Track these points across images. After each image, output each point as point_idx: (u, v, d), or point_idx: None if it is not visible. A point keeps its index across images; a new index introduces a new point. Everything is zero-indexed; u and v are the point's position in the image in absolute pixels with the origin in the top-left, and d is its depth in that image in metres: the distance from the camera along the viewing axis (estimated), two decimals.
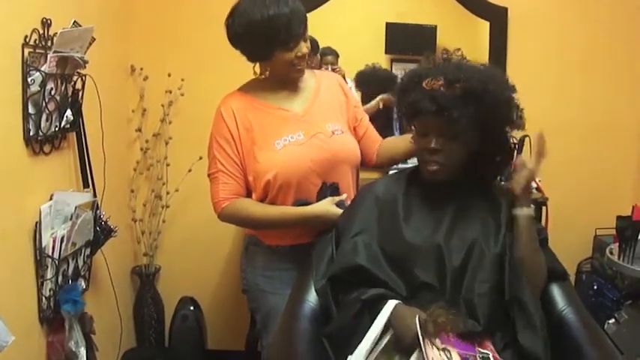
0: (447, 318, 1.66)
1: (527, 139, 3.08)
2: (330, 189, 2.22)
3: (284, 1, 2.14)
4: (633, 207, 3.17)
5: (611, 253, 3.15)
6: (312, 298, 1.97)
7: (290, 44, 2.18)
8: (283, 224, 2.25)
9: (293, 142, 2.25)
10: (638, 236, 3.00)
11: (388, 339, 1.71)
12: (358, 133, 2.45)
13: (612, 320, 3.08)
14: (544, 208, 3.08)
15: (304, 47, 2.21)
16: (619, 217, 3.11)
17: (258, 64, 2.35)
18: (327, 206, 2.17)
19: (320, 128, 2.29)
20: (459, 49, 2.02)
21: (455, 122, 1.83)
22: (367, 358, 1.70)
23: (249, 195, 2.32)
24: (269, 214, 2.24)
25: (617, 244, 3.13)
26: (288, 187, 2.23)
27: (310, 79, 2.41)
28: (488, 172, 2.05)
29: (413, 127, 2.01)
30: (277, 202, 2.26)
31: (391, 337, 1.71)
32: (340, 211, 2.14)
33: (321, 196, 2.22)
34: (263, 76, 2.34)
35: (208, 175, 2.35)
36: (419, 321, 1.64)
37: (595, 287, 3.40)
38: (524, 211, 1.91)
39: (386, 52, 3.65)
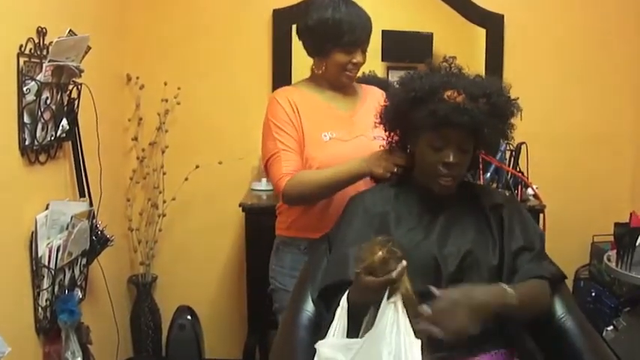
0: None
1: (523, 146, 3.10)
2: None
3: (356, 11, 2.33)
4: (631, 214, 3.17)
5: (609, 260, 3.14)
6: (309, 307, 1.96)
7: (349, 48, 2.30)
8: (334, 182, 2.25)
9: (338, 138, 2.33)
10: (636, 243, 2.99)
11: (367, 319, 1.68)
12: None
13: (611, 327, 3.07)
14: (541, 215, 3.08)
15: (359, 56, 2.34)
16: (617, 224, 3.10)
17: (314, 61, 2.43)
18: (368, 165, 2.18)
19: (363, 132, 2.36)
20: (454, 58, 2.01)
21: (482, 136, 1.85)
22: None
23: None
24: (324, 172, 2.25)
25: (615, 250, 3.12)
26: None
27: (358, 89, 2.53)
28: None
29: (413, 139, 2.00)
30: None
31: (369, 318, 1.68)
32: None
33: None
34: (319, 72, 2.40)
35: (267, 160, 2.33)
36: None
37: (593, 294, 3.39)
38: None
39: (382, 60, 3.65)
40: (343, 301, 1.71)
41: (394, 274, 1.57)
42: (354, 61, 2.32)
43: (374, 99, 2.46)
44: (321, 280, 1.96)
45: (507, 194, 2.77)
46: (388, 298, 1.57)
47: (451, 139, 1.87)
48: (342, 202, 2.19)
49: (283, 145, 2.30)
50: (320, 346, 1.64)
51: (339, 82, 2.40)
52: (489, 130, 1.84)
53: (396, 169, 2.09)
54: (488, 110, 1.82)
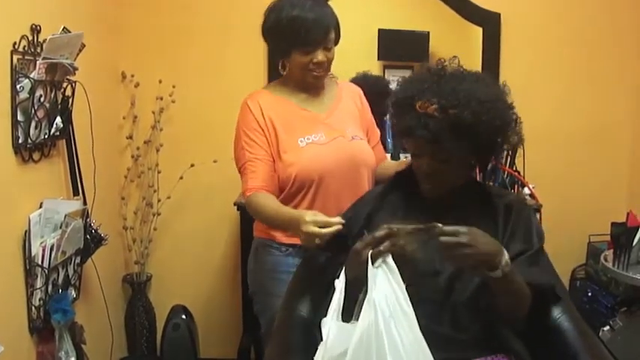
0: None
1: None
2: None
3: (312, 8, 2.25)
4: (627, 213, 3.17)
5: (606, 259, 3.15)
6: (304, 307, 1.96)
7: (307, 48, 2.26)
8: (274, 221, 2.24)
9: (316, 142, 2.31)
10: (632, 242, 3.00)
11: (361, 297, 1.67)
12: None
13: (607, 327, 3.08)
14: (538, 215, 3.07)
15: (320, 55, 2.28)
16: (613, 224, 3.10)
17: (280, 63, 2.40)
18: (304, 213, 2.05)
19: (341, 132, 2.35)
20: (455, 58, 1.99)
21: (446, 150, 1.81)
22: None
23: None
24: (269, 208, 2.21)
25: (612, 250, 3.12)
26: (310, 184, 2.27)
27: (332, 86, 2.49)
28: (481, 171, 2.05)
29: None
30: (293, 200, 2.30)
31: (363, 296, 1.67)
32: (317, 230, 1.96)
33: None
34: (284, 73, 2.39)
35: (238, 168, 2.35)
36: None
37: (589, 294, 3.39)
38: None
39: (378, 59, 3.65)
40: (341, 277, 1.71)
41: (376, 234, 1.62)
42: (315, 60, 2.27)
43: (349, 96, 2.49)
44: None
45: (515, 195, 2.71)
46: (373, 263, 1.59)
47: (424, 149, 1.85)
48: (323, 205, 2.22)
49: (251, 154, 2.29)
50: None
51: (305, 83, 2.37)
52: (450, 144, 1.78)
53: (318, 241, 1.94)
54: (453, 124, 1.76)
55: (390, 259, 1.61)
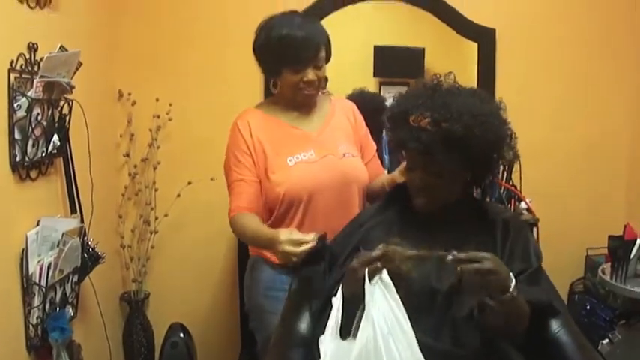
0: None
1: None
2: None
3: (300, 26, 2.25)
4: (625, 226, 3.17)
5: (604, 272, 3.15)
6: (303, 325, 1.95)
7: (297, 67, 2.27)
8: (254, 241, 2.29)
9: (305, 161, 2.31)
10: (630, 255, 3.01)
11: (358, 319, 1.67)
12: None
13: (606, 340, 3.07)
14: (535, 229, 3.07)
15: (310, 73, 2.28)
16: (611, 237, 3.11)
17: (271, 82, 2.43)
18: (279, 232, 2.09)
19: (331, 151, 2.35)
20: (450, 73, 2.00)
21: (439, 163, 1.82)
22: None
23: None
24: (251, 229, 2.24)
25: (609, 263, 3.13)
26: (298, 203, 2.28)
27: (325, 103, 2.50)
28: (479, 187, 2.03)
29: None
30: (284, 220, 2.31)
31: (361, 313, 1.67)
32: (292, 249, 2.00)
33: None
34: (275, 92, 2.41)
35: (227, 187, 2.38)
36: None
37: (587, 307, 3.39)
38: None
39: (374, 75, 3.67)
40: (338, 294, 1.71)
41: (372, 253, 1.64)
42: (305, 79, 2.28)
43: (342, 112, 2.50)
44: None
45: (512, 213, 2.71)
46: (370, 280, 1.60)
47: (416, 162, 1.88)
48: (312, 224, 2.24)
49: (239, 176, 2.32)
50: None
51: (296, 102, 2.38)
52: (442, 157, 1.79)
53: (295, 259, 2.00)
54: (445, 138, 1.78)
55: (386, 276, 1.62)
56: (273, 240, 2.05)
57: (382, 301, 1.58)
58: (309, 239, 1.98)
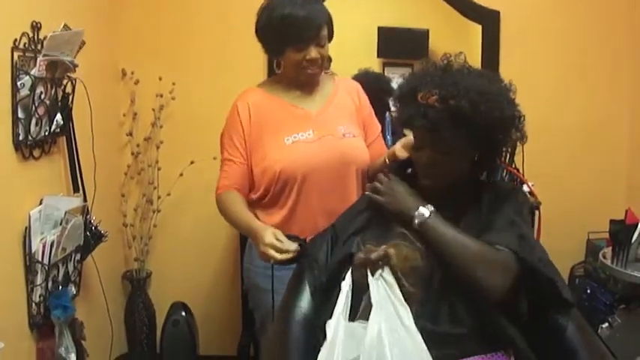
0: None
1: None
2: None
3: (302, 5, 2.24)
4: (626, 211, 3.17)
5: (605, 257, 3.15)
6: (304, 303, 1.95)
7: (299, 45, 2.26)
8: (235, 223, 2.32)
9: (303, 140, 2.31)
10: (631, 240, 3.00)
11: (364, 304, 1.69)
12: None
13: (606, 324, 3.08)
14: (537, 212, 3.07)
15: (313, 52, 2.28)
16: (612, 221, 3.11)
17: (275, 62, 2.42)
18: (265, 231, 2.09)
19: (331, 131, 2.34)
20: (461, 53, 1.98)
21: (446, 140, 1.82)
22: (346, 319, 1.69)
23: (252, 188, 2.38)
24: (232, 210, 2.29)
25: (611, 247, 3.13)
26: (293, 182, 2.28)
27: (329, 83, 2.48)
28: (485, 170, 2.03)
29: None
30: (279, 199, 2.32)
31: (366, 302, 1.69)
32: (273, 254, 2.03)
33: None
34: (279, 72, 2.41)
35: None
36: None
37: (588, 291, 3.39)
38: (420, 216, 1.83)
39: (378, 56, 3.66)
40: (348, 278, 1.73)
41: (373, 255, 1.65)
42: (308, 57, 2.28)
43: (346, 92, 2.48)
44: (323, 265, 1.97)
45: (511, 186, 2.69)
46: (372, 275, 1.63)
47: (424, 140, 1.88)
48: (307, 203, 2.27)
49: (229, 155, 2.36)
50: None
51: (299, 81, 2.38)
52: (449, 133, 1.79)
53: (280, 257, 2.02)
54: (452, 114, 1.78)
55: (387, 274, 1.64)
56: (257, 236, 2.09)
57: (384, 297, 1.60)
58: (292, 250, 2.01)
